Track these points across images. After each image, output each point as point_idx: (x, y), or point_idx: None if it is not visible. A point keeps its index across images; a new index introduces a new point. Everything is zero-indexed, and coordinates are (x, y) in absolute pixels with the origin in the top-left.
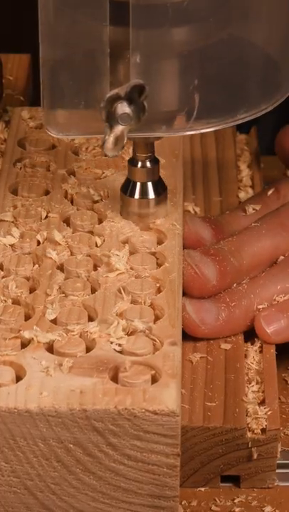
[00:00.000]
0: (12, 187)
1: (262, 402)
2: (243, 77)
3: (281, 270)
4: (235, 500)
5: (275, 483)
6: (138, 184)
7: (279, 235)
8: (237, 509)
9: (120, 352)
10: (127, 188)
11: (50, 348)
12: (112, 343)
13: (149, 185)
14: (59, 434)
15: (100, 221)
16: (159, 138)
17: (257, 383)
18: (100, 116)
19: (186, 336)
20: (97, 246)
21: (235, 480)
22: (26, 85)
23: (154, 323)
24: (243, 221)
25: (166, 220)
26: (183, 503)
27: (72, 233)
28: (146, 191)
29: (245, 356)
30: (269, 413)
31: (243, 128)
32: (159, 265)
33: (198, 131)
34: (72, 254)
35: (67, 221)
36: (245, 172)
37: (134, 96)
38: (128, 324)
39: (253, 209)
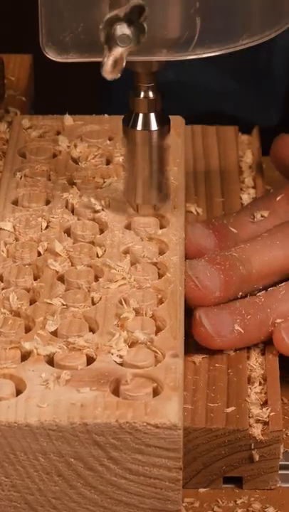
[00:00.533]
0: (12, 197)
1: (264, 404)
2: (245, 1)
3: None
4: (238, 502)
5: (278, 485)
6: (140, 115)
7: None
8: (239, 510)
9: (121, 364)
10: (129, 119)
11: (50, 361)
12: (112, 354)
13: (152, 116)
14: (60, 448)
15: (101, 231)
16: (161, 65)
17: (259, 385)
18: (99, 39)
19: (189, 337)
20: (98, 256)
21: (237, 481)
22: (28, 86)
23: (156, 334)
24: (250, 227)
25: (168, 230)
26: (185, 503)
27: (73, 243)
28: (148, 122)
29: (248, 358)
30: (271, 414)
31: (245, 129)
32: (160, 275)
33: (199, 56)
34: (72, 264)
35: (68, 231)
36: (247, 173)
37: (134, 17)
38: (129, 336)
39: (262, 216)
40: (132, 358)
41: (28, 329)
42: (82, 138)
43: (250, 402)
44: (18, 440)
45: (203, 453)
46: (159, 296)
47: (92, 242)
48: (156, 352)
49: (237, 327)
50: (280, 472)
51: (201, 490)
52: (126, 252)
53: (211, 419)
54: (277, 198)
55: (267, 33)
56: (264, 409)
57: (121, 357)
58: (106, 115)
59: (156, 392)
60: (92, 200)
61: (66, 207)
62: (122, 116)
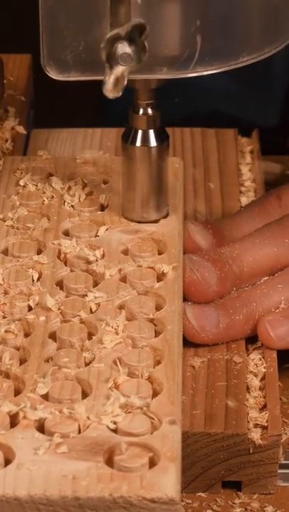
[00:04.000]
0: (2, 246)
1: (263, 408)
2: (245, 19)
3: (286, 280)
4: (236, 501)
5: (277, 484)
6: (139, 132)
7: (282, 245)
8: (238, 509)
9: (115, 431)
10: (128, 136)
11: (41, 427)
12: (107, 420)
13: (151, 132)
14: None
15: (96, 283)
16: (160, 82)
17: (258, 389)
18: (101, 57)
19: (188, 341)
20: (91, 312)
21: (236, 486)
22: (27, 86)
23: (152, 398)
24: (244, 227)
25: (165, 284)
26: (184, 503)
27: (66, 297)
28: (147, 139)
29: (247, 361)
30: (270, 419)
31: (245, 129)
32: (157, 333)
33: (199, 74)
34: (65, 320)
35: (60, 283)
36: (246, 176)
37: (135, 36)
38: (124, 400)
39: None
40: (127, 425)
41: (17, 391)
42: (76, 181)
43: (249, 406)
44: None
45: (202, 457)
46: (156, 356)
47: (86, 296)
48: (153, 418)
49: (222, 321)
50: (279, 471)
51: (200, 494)
52: (121, 306)
53: (210, 424)
54: (270, 200)
55: (266, 50)
56: (263, 414)
57: (115, 423)
58: (102, 153)
59: (152, 462)
60: (86, 250)
61: (58, 257)
62: (117, 155)
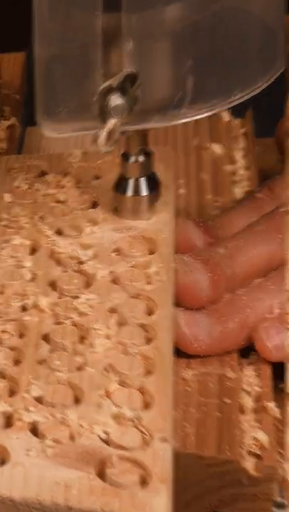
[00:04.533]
0: None
1: (258, 433)
2: (237, 53)
3: (278, 282)
4: None
5: None
6: (131, 180)
7: (275, 241)
8: None
9: (106, 442)
10: (120, 185)
11: (34, 429)
12: (98, 429)
13: (142, 180)
14: None
15: (88, 284)
16: (151, 129)
17: (252, 411)
18: (93, 111)
19: (180, 351)
20: (83, 314)
21: None
22: (22, 84)
23: (144, 409)
24: (237, 224)
25: (156, 286)
26: None
27: (59, 298)
28: (139, 187)
29: (241, 378)
30: (265, 448)
31: (238, 112)
32: (148, 339)
33: (192, 118)
34: (57, 322)
35: (52, 284)
36: (240, 163)
37: (127, 86)
38: (116, 411)
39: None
40: (119, 437)
41: (11, 392)
42: (70, 178)
43: (243, 430)
44: None
45: (194, 483)
46: (147, 365)
47: (78, 297)
48: (144, 433)
49: (215, 329)
50: (274, 510)
51: None
52: (113, 310)
53: (202, 446)
54: (262, 193)
55: (260, 84)
56: (256, 441)
57: (107, 433)
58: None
59: (143, 479)
60: (78, 250)
61: (51, 257)
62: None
